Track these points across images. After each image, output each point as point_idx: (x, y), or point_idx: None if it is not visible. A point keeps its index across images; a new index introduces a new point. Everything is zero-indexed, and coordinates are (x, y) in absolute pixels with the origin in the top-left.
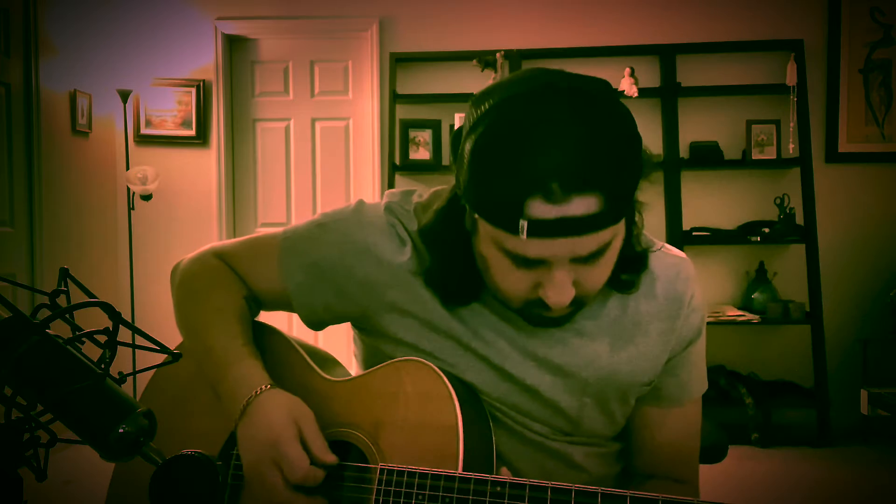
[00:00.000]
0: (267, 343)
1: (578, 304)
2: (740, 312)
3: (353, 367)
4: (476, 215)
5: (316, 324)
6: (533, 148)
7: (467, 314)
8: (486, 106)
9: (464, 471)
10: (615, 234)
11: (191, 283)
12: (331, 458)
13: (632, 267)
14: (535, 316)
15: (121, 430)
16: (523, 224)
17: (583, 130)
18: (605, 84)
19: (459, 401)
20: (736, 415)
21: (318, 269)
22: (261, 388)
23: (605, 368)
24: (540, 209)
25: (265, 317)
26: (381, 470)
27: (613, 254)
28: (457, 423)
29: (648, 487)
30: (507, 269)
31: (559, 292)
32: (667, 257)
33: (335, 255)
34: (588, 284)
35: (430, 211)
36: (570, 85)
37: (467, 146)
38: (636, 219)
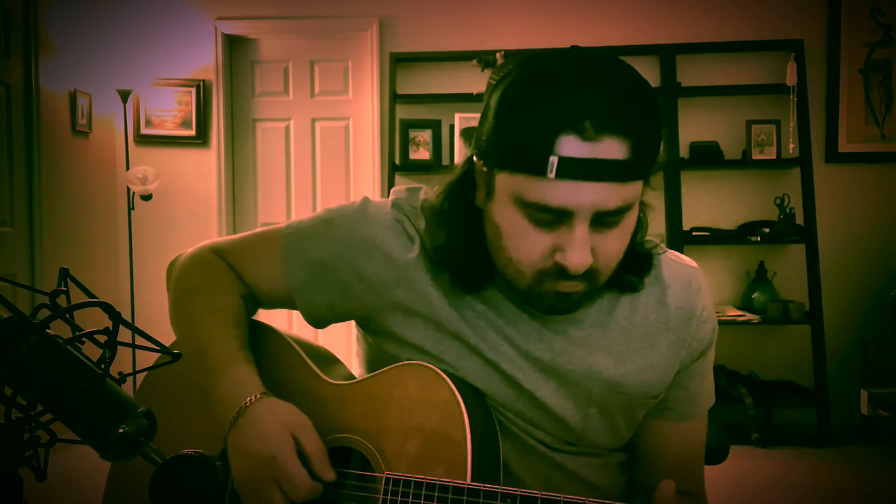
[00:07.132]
0: (264, 344)
1: (591, 280)
2: (740, 312)
3: (355, 367)
4: (496, 172)
5: (319, 322)
6: (566, 88)
7: (473, 316)
8: (515, 63)
9: (472, 480)
10: (635, 199)
11: (186, 281)
12: (330, 476)
13: (637, 267)
14: (546, 296)
15: (121, 430)
16: (553, 161)
17: (613, 77)
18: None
19: (466, 407)
20: (736, 415)
21: (322, 266)
22: (253, 398)
23: (610, 380)
24: (571, 146)
25: (264, 314)
26: (388, 479)
27: (630, 225)
28: (464, 431)
29: None
30: (523, 232)
31: (579, 252)
32: (678, 266)
33: (340, 252)
34: (604, 256)
35: (442, 186)
36: (591, 49)
37: (494, 99)
38: (641, 217)
